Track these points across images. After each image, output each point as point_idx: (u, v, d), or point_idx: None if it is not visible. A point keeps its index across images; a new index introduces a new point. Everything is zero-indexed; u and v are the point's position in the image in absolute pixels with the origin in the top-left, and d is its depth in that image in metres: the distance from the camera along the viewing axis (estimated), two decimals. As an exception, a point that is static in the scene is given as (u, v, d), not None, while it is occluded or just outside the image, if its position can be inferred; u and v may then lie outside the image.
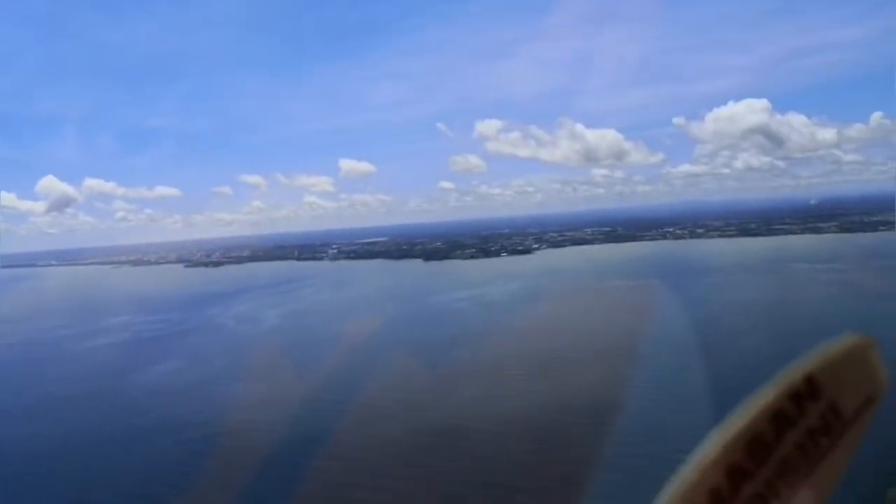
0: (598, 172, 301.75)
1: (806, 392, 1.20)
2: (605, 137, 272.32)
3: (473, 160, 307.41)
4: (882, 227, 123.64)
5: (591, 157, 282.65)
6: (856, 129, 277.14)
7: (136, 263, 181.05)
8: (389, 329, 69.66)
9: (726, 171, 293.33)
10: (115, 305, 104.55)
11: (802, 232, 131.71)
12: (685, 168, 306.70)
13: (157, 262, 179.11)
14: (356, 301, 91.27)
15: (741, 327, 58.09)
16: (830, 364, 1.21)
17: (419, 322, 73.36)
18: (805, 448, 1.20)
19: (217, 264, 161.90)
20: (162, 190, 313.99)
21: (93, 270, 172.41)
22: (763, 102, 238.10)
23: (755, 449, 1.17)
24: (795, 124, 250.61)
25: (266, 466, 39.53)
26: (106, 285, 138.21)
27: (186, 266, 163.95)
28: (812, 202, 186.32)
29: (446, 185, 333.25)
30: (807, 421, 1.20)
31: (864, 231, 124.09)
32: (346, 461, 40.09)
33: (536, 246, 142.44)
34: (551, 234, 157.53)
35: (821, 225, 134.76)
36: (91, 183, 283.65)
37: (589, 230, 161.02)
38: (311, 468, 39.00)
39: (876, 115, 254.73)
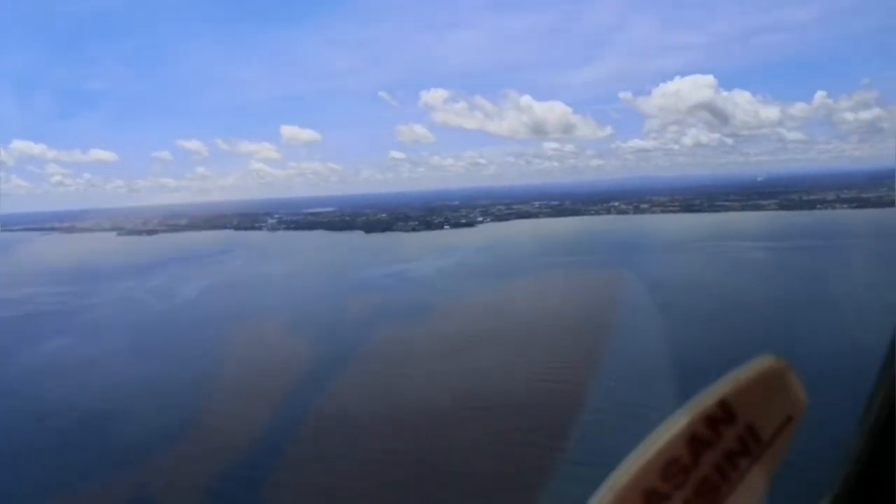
0: (549, 146, 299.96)
1: (721, 416, 1.21)
2: (552, 110, 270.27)
3: (420, 130, 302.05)
4: (819, 206, 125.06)
5: (538, 130, 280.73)
6: (798, 108, 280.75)
7: (67, 231, 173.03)
8: (302, 305, 66.74)
9: (675, 146, 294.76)
10: (28, 275, 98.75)
11: (744, 209, 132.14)
12: (635, 143, 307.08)
13: (90, 230, 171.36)
14: (279, 275, 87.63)
15: (654, 307, 56.73)
16: (744, 388, 1.22)
17: (336, 298, 70.37)
18: (724, 469, 1.21)
19: (151, 233, 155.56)
20: (97, 154, 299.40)
21: (19, 237, 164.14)
22: (709, 79, 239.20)
23: (671, 472, 1.17)
24: (740, 101, 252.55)
25: (126, 456, 36.64)
26: (27, 253, 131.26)
27: (119, 234, 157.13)
28: (759, 179, 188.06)
29: (397, 154, 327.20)
30: (724, 443, 1.21)
31: (803, 209, 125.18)
32: (224, 449, 37.27)
33: (481, 219, 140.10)
34: (499, 207, 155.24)
35: (762, 202, 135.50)
36: (19, 145, 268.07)
37: (536, 203, 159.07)
38: (183, 458, 36.13)
39: (819, 95, 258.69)
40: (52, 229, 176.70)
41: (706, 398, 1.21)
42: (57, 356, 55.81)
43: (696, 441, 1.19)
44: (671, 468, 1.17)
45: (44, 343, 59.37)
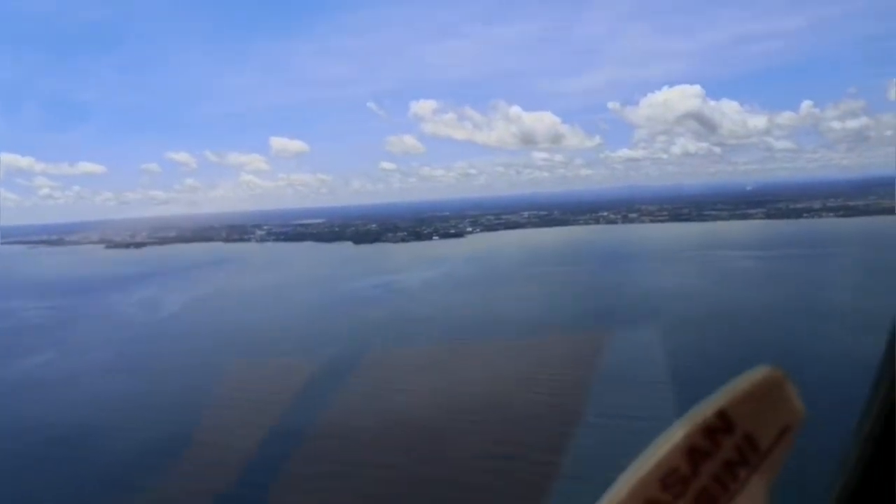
0: (539, 156, 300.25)
1: (719, 426, 1.21)
2: (541, 120, 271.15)
3: (410, 141, 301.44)
4: (806, 214, 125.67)
5: (528, 140, 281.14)
6: (786, 117, 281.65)
7: (54, 243, 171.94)
8: (287, 318, 66.21)
9: (664, 156, 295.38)
10: (12, 289, 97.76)
11: (731, 218, 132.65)
12: (624, 153, 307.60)
13: (78, 242, 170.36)
14: (265, 287, 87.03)
15: (643, 316, 56.65)
16: (741, 398, 1.22)
17: (321, 310, 69.91)
18: (722, 479, 1.21)
19: (140, 245, 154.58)
20: (85, 166, 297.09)
21: (5, 251, 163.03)
22: (696, 88, 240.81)
23: (671, 482, 1.17)
24: (727, 111, 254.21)
25: (104, 474, 35.99)
26: (11, 267, 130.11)
27: (107, 247, 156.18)
28: (748, 188, 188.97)
29: (387, 165, 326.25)
30: (722, 453, 1.21)
31: (790, 218, 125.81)
32: (209, 466, 36.59)
33: (470, 230, 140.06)
34: (488, 217, 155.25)
35: (750, 211, 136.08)
36: (6, 158, 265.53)
37: (526, 213, 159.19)
38: (165, 475, 35.46)
39: (806, 104, 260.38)
40: (40, 242, 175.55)
41: (704, 409, 1.21)
42: (36, 371, 54.97)
43: (694, 451, 1.19)
44: (670, 479, 1.17)
45: (23, 358, 58.54)
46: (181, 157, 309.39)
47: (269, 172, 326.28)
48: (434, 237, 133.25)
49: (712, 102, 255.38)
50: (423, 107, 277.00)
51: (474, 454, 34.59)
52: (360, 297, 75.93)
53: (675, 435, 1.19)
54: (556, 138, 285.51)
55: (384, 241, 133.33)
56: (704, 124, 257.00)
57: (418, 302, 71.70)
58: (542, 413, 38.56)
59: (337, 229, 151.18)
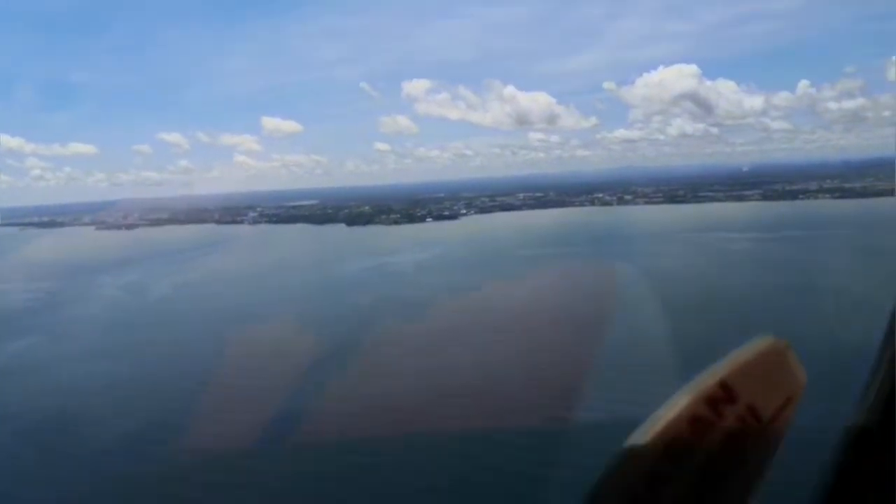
0: (535, 136, 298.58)
1: (722, 396, 1.21)
2: (536, 100, 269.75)
3: (403, 121, 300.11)
4: (802, 196, 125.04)
5: (523, 121, 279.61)
6: (782, 98, 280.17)
7: (45, 225, 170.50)
8: (276, 302, 65.58)
9: (661, 137, 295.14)
10: (1, 271, 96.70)
11: (727, 199, 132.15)
12: (621, 133, 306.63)
13: (70, 224, 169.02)
14: (256, 269, 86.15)
15: (639, 299, 56.03)
16: (744, 368, 1.23)
17: (312, 294, 69.21)
18: (726, 449, 1.21)
19: (131, 227, 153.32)
20: (77, 147, 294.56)
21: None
22: (692, 68, 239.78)
23: (673, 453, 1.17)
24: (724, 91, 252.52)
25: (89, 459, 35.34)
26: (2, 249, 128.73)
27: (98, 228, 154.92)
28: (744, 169, 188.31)
29: (382, 146, 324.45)
30: (725, 423, 1.21)
31: (786, 199, 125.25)
32: (194, 451, 35.90)
33: (464, 211, 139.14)
34: (482, 199, 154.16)
35: (745, 193, 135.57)
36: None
37: (521, 195, 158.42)
38: (150, 461, 34.79)
39: (802, 84, 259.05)
40: (31, 224, 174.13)
41: (707, 379, 1.21)
42: (20, 356, 54.17)
43: (697, 421, 1.19)
44: (673, 449, 1.17)
45: (10, 341, 57.70)
46: (173, 137, 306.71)
47: (263, 153, 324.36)
48: (428, 219, 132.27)
49: (709, 83, 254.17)
50: (416, 86, 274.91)
51: (466, 437, 34.13)
52: (352, 280, 75.27)
53: (678, 404, 1.19)
54: (551, 119, 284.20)
55: (377, 223, 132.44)
56: (701, 105, 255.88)
57: (411, 284, 70.97)
58: (535, 396, 38.05)
59: (330, 211, 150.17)
